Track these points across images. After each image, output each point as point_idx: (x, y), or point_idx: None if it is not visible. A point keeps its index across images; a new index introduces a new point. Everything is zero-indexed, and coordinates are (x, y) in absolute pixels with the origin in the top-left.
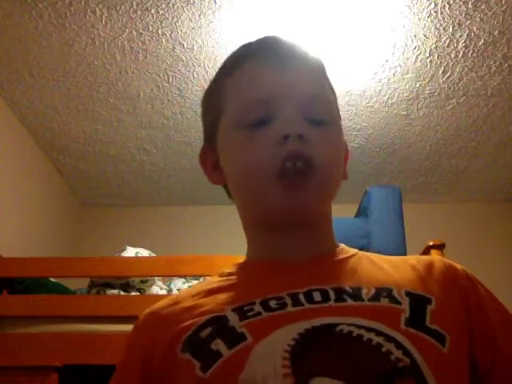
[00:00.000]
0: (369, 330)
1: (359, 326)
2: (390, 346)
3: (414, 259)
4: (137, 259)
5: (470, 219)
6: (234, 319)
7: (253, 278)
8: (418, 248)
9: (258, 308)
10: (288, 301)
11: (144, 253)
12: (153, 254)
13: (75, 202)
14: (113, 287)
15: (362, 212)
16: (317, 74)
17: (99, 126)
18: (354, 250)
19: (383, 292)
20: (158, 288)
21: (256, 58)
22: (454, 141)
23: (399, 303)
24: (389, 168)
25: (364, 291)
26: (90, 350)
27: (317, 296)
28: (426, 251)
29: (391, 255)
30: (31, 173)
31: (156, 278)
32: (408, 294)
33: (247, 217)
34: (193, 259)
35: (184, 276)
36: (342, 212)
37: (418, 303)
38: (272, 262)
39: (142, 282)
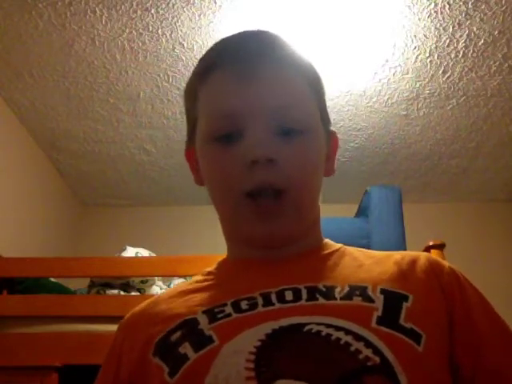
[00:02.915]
0: (338, 328)
1: (328, 325)
2: (359, 345)
3: (399, 255)
4: (137, 259)
5: (470, 219)
6: (203, 322)
7: (229, 277)
8: (418, 248)
9: (228, 309)
10: (259, 301)
11: (144, 253)
12: (153, 254)
13: (75, 202)
14: (113, 287)
15: (362, 212)
16: (292, 78)
17: (99, 126)
18: (337, 245)
19: (356, 290)
20: (158, 288)
21: (226, 66)
22: (454, 141)
23: (372, 301)
24: (389, 168)
25: (337, 289)
26: (89, 350)
27: (289, 295)
28: (426, 251)
29: None
30: (31, 173)
31: (156, 277)
32: (383, 291)
33: (225, 228)
34: (193, 259)
35: (184, 276)
36: (342, 212)
37: (393, 301)
38: (250, 260)
39: (142, 282)
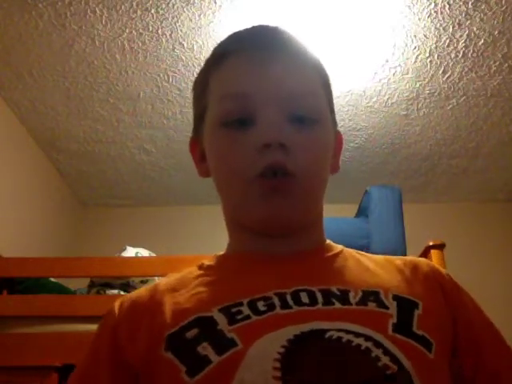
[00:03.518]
0: (357, 335)
1: (348, 331)
2: (378, 352)
3: (399, 260)
4: (137, 259)
5: (469, 219)
6: (222, 322)
7: (235, 272)
8: (418, 248)
9: (246, 310)
10: (276, 302)
11: (144, 253)
12: (153, 254)
13: (75, 202)
14: (113, 287)
15: (362, 212)
16: (306, 69)
17: (99, 126)
18: (339, 247)
19: (370, 296)
20: None
21: (240, 52)
22: (454, 141)
23: (387, 308)
24: (389, 168)
25: (351, 294)
26: None
27: (304, 298)
28: (426, 251)
29: (391, 255)
30: (31, 173)
31: (156, 277)
32: (395, 297)
33: (229, 216)
34: (193, 259)
35: None
36: (341, 212)
37: (406, 308)
38: (256, 255)
39: (142, 281)
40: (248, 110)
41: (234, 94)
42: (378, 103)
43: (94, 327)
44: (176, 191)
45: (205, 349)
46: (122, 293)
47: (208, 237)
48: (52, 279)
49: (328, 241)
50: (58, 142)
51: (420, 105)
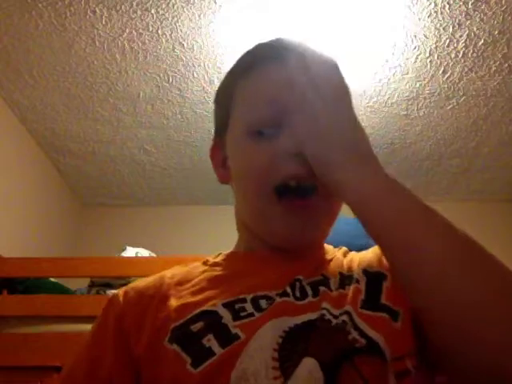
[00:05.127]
0: (337, 316)
1: (330, 313)
2: (350, 327)
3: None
4: (137, 259)
5: (470, 219)
6: (227, 317)
7: (242, 271)
8: None
9: (249, 308)
10: (277, 299)
11: (144, 253)
12: (153, 254)
13: (75, 202)
14: (113, 287)
15: None
16: None
17: (99, 126)
18: (331, 249)
19: (345, 279)
20: None
21: (269, 61)
22: (454, 141)
23: (358, 283)
24: (389, 168)
25: (332, 280)
26: None
27: (297, 292)
28: None
29: None
30: (31, 173)
31: None
32: (365, 272)
33: (244, 222)
34: (193, 259)
35: None
36: (341, 212)
37: (374, 282)
38: (258, 254)
39: None
40: (277, 117)
41: (266, 98)
42: (378, 103)
43: None
44: (176, 191)
45: (209, 341)
46: None
47: (208, 237)
48: (52, 279)
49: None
50: (58, 141)
51: (420, 105)
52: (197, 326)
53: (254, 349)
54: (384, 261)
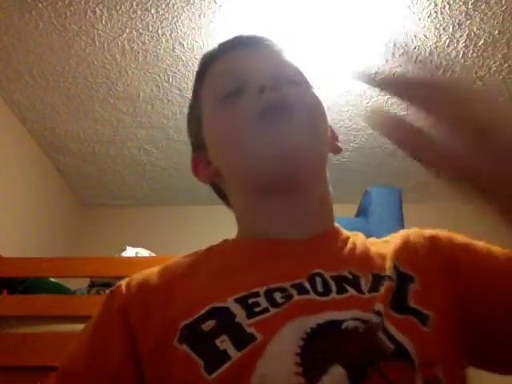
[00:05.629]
0: (365, 321)
1: (356, 319)
2: (379, 331)
3: (397, 238)
4: (137, 259)
5: (470, 219)
6: (240, 315)
7: (251, 260)
8: None
9: (263, 303)
10: (293, 292)
11: (144, 253)
12: (153, 254)
13: (75, 203)
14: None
15: (361, 212)
16: (286, 55)
17: (99, 126)
18: (347, 232)
19: (379, 280)
20: None
21: (224, 54)
22: None
23: (392, 281)
24: (389, 168)
25: (363, 280)
26: None
27: (320, 286)
28: None
29: None
30: (31, 173)
31: None
32: (396, 270)
33: (238, 189)
34: None
35: None
36: (342, 212)
37: (402, 283)
38: (268, 241)
39: None
40: (239, 82)
41: (224, 71)
42: (378, 103)
43: None
44: (176, 191)
45: (223, 343)
46: None
47: (208, 237)
48: (52, 279)
49: (337, 225)
50: (58, 141)
51: None
52: (208, 325)
53: (274, 352)
54: (413, 259)
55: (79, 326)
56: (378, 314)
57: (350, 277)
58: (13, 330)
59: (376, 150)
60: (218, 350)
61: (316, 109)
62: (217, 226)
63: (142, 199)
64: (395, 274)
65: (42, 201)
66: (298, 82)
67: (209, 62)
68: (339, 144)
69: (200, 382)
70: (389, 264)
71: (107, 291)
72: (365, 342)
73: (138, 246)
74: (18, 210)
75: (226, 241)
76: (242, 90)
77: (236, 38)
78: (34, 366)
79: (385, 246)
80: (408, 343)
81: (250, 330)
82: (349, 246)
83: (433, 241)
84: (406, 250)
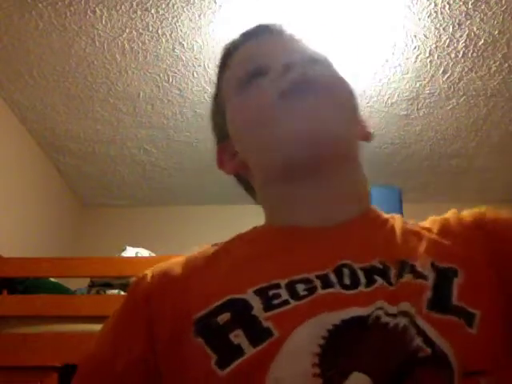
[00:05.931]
0: (394, 315)
1: (386, 313)
2: (413, 332)
3: (427, 224)
4: (137, 259)
5: None
6: (257, 307)
7: (274, 249)
8: None
9: (284, 295)
10: (318, 284)
11: (144, 253)
12: (153, 254)
13: (75, 203)
14: (113, 287)
15: None
16: (305, 42)
17: (99, 126)
18: (385, 215)
19: (407, 268)
20: None
21: (244, 42)
22: (454, 141)
23: (425, 279)
24: (389, 168)
25: (392, 271)
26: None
27: (346, 278)
28: None
29: None
30: (31, 173)
31: None
32: (433, 265)
33: (263, 176)
34: None
35: None
36: None
37: (443, 278)
38: (295, 229)
39: None
40: (261, 64)
41: (246, 58)
42: (378, 103)
43: (94, 327)
44: (176, 191)
45: (238, 337)
46: (121, 293)
47: (208, 237)
48: (52, 279)
49: (374, 206)
50: (58, 141)
51: (420, 105)
52: (223, 318)
53: (290, 352)
54: (455, 250)
55: (79, 326)
56: (407, 313)
57: (381, 266)
58: (13, 330)
59: (376, 150)
60: (232, 344)
61: (342, 85)
62: (217, 225)
63: (142, 199)
64: (432, 270)
65: (42, 201)
66: (322, 62)
67: (231, 51)
68: (368, 129)
69: (212, 376)
70: (423, 255)
71: (107, 291)
72: (394, 344)
73: (137, 246)
74: (18, 210)
75: (255, 228)
76: (265, 71)
77: (257, 26)
78: (34, 366)
79: (424, 233)
80: (448, 348)
81: (266, 324)
82: (384, 231)
83: (478, 226)
84: (446, 237)
